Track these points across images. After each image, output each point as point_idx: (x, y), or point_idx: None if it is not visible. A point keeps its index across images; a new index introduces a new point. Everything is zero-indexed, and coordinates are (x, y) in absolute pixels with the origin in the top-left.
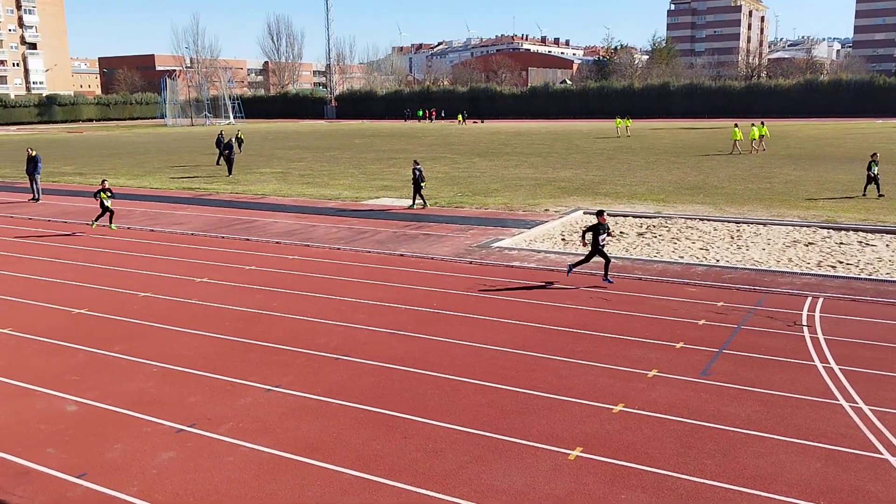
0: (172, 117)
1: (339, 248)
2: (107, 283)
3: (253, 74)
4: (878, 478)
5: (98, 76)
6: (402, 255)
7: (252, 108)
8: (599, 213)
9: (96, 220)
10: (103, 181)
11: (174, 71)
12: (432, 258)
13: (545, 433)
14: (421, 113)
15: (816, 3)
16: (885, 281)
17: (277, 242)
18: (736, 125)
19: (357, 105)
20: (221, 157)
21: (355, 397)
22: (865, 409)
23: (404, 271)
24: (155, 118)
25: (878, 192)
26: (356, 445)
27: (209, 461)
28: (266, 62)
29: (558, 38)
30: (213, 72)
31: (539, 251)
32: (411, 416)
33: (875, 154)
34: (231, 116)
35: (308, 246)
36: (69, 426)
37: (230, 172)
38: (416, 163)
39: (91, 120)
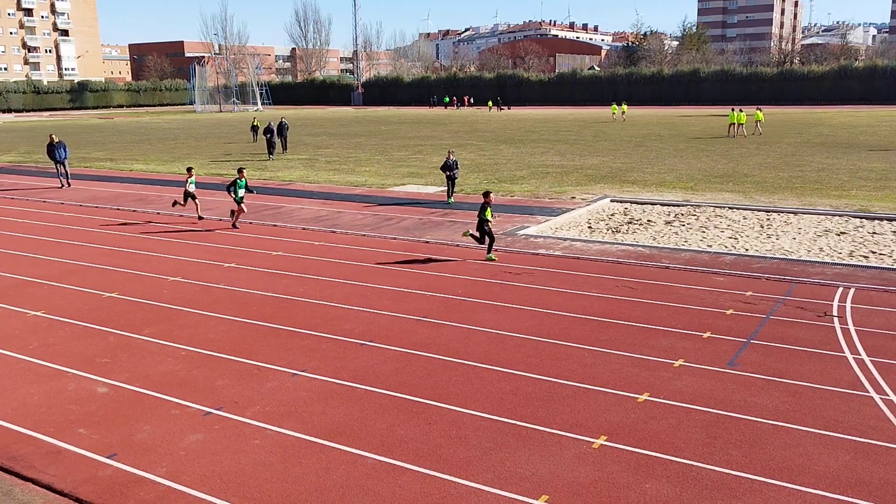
0: (201, 103)
1: (364, 235)
2: (137, 268)
3: (280, 61)
4: None
5: (128, 63)
6: (427, 241)
7: (279, 94)
8: None
9: (482, 237)
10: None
11: (203, 57)
12: (457, 245)
13: (569, 421)
14: (447, 100)
15: None
16: None
17: (304, 228)
18: (733, 109)
19: (383, 91)
20: (279, 143)
21: (380, 383)
22: None
23: (429, 258)
24: (184, 104)
25: None
26: (380, 430)
27: (236, 444)
28: (293, 49)
29: (587, 24)
30: (242, 58)
31: (565, 239)
32: (435, 402)
33: None
34: (259, 103)
35: (334, 232)
36: (100, 407)
37: (270, 155)
38: (450, 153)
39: (121, 106)
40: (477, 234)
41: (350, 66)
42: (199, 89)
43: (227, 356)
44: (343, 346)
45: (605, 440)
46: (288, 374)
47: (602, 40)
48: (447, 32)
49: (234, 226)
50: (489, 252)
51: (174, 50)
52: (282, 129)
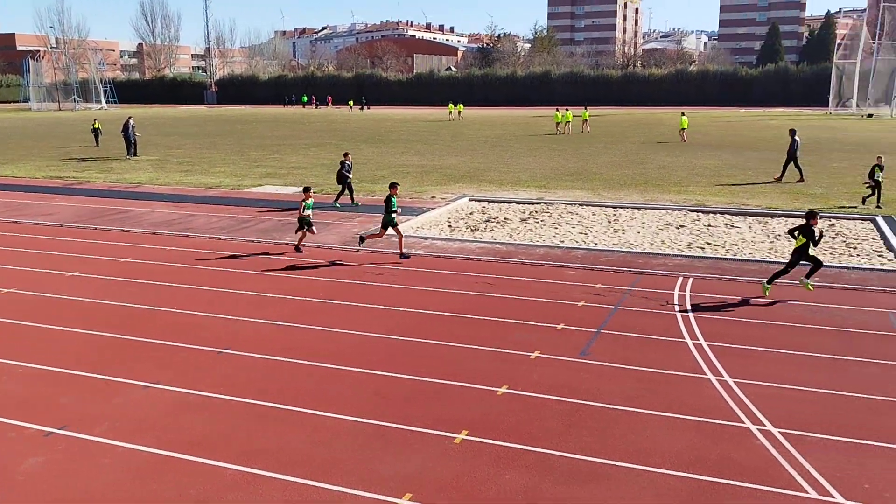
0: (37, 101)
1: (220, 238)
2: None
3: (126, 57)
4: (742, 446)
5: None
6: (287, 244)
7: (126, 92)
8: None
9: None
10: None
11: (38, 52)
12: (318, 247)
13: (431, 418)
14: (305, 99)
15: None
16: (747, 260)
17: (154, 233)
18: (557, 109)
19: (239, 90)
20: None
21: (239, 392)
22: (731, 381)
23: (289, 260)
24: (18, 102)
25: (878, 201)
26: (240, 440)
27: (83, 464)
28: (140, 44)
29: (443, 25)
30: (82, 53)
31: (426, 238)
32: (297, 407)
33: (880, 157)
34: (103, 101)
35: (187, 236)
36: None
37: (130, 154)
38: (345, 155)
39: None
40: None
41: (202, 63)
42: (34, 86)
43: (72, 371)
44: (199, 355)
45: (467, 435)
46: (139, 388)
47: (458, 41)
48: (304, 31)
49: (402, 256)
50: (808, 277)
51: (4, 43)
52: (126, 129)
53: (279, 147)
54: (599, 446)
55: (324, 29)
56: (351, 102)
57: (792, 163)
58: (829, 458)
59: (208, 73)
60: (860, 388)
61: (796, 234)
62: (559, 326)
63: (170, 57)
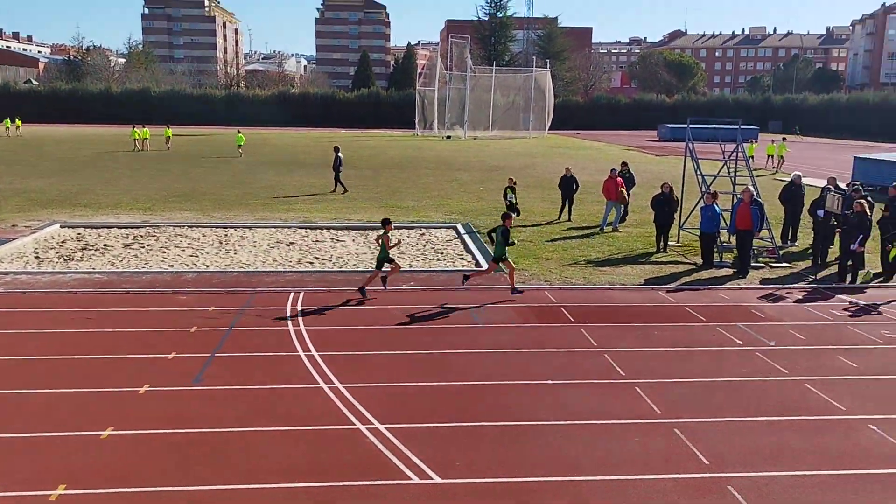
0: None
1: None
2: None
3: None
4: (353, 447)
5: None
6: None
7: None
8: None
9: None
10: None
11: None
12: None
13: (22, 478)
14: None
15: (284, 20)
16: (352, 272)
17: None
18: (133, 126)
19: None
20: None
21: None
22: (341, 387)
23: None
24: None
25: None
26: None
27: None
28: None
29: (18, 33)
30: None
31: (7, 273)
32: None
33: (512, 179)
34: None
35: None
36: None
37: None
38: None
39: None
40: None
41: None
42: None
43: None
44: None
45: (64, 489)
46: None
47: (39, 52)
48: None
49: (515, 291)
50: None
51: None
52: None
53: None
54: (214, 474)
55: None
56: None
57: (336, 176)
58: (428, 446)
59: None
60: (451, 376)
61: (890, 245)
62: (170, 356)
63: None
